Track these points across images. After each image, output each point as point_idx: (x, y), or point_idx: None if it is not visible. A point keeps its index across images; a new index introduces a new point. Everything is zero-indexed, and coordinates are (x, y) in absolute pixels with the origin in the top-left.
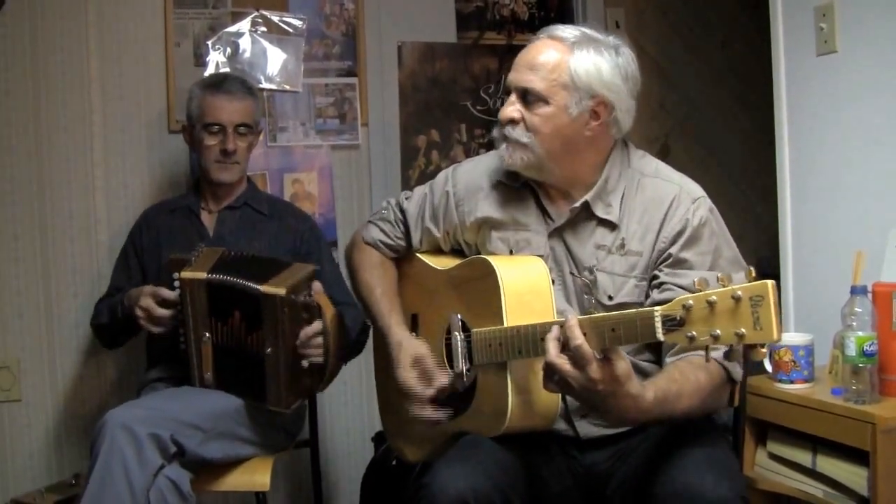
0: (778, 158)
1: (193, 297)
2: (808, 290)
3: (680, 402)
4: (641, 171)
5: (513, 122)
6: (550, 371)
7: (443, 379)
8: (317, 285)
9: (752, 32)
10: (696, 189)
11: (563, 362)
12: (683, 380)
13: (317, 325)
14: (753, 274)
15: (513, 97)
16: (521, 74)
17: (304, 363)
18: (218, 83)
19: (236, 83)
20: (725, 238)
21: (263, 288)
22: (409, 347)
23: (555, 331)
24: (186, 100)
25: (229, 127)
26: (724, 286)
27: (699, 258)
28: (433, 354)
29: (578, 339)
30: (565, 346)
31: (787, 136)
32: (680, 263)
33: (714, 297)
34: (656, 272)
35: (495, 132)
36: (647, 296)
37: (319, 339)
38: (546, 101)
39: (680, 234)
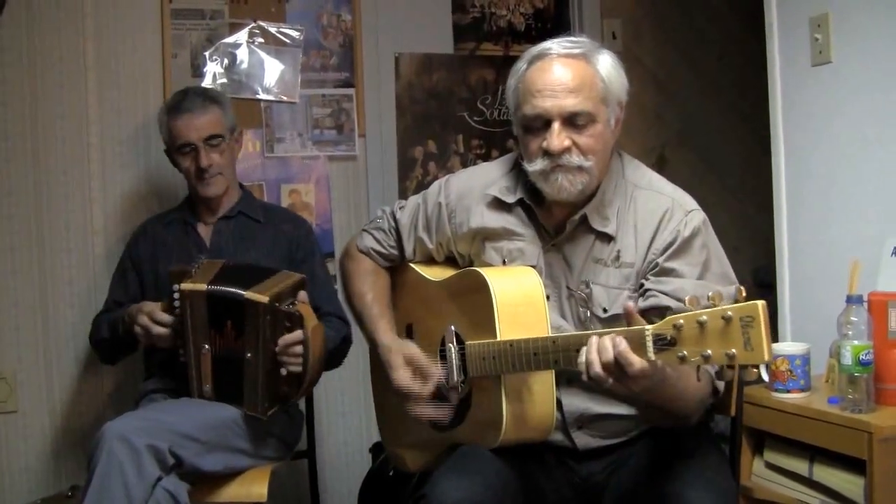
0: (774, 168)
1: (193, 309)
2: (804, 299)
3: (676, 387)
4: (635, 183)
5: (566, 150)
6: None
7: (438, 373)
8: (302, 295)
9: (748, 43)
10: (689, 202)
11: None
12: (684, 375)
13: (297, 335)
14: (744, 294)
15: (556, 126)
16: (560, 100)
17: (283, 371)
18: (177, 104)
19: (194, 98)
20: (717, 253)
21: (247, 294)
22: (399, 348)
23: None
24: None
25: (198, 143)
26: (714, 305)
27: (686, 268)
28: (426, 355)
29: (636, 363)
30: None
31: (782, 146)
32: (667, 272)
33: (704, 318)
34: (643, 280)
35: (538, 165)
36: None
37: (299, 349)
38: (595, 120)
39: (670, 245)
